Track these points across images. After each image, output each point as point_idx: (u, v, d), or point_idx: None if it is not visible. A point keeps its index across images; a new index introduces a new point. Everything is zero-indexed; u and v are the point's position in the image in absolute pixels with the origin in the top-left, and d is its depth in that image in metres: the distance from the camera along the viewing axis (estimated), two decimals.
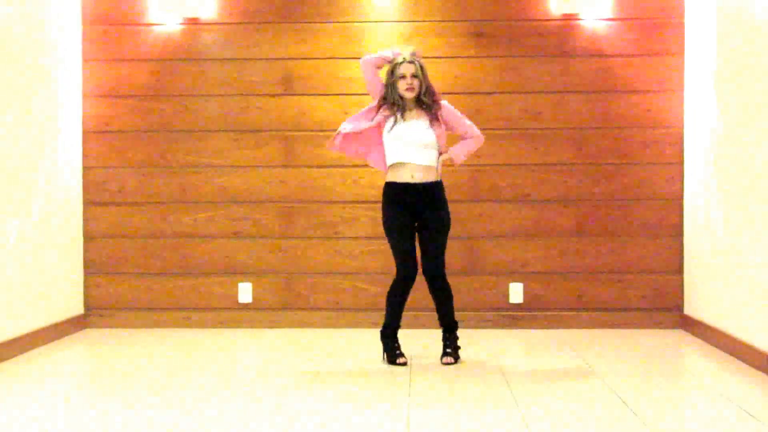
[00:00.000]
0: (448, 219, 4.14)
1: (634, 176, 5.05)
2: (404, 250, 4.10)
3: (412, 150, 4.05)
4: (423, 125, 4.08)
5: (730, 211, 4.33)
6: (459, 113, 4.20)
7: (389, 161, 4.10)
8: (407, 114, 4.11)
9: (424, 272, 4.14)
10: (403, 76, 4.05)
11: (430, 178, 4.07)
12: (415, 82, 4.06)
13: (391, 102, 4.09)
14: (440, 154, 4.13)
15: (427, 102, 4.09)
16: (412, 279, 4.12)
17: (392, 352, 4.15)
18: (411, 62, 4.07)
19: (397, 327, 4.20)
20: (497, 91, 5.07)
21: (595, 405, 3.37)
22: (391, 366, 4.09)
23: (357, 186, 5.10)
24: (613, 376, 3.84)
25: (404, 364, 4.10)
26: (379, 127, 4.10)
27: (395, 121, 4.08)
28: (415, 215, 4.10)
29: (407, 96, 4.07)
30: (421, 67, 4.08)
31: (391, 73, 4.09)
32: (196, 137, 5.16)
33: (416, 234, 4.15)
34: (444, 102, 4.17)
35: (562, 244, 5.08)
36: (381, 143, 4.11)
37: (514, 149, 5.08)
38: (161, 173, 5.17)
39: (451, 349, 4.19)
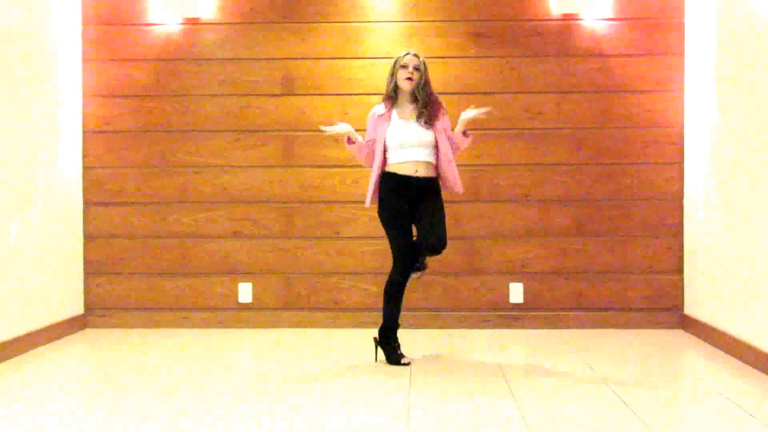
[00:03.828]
0: (443, 206, 4.16)
1: (634, 176, 5.05)
2: (404, 243, 4.13)
3: (413, 150, 4.09)
4: (421, 126, 4.11)
5: (730, 211, 4.33)
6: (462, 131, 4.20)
7: (392, 159, 4.12)
8: (403, 111, 4.16)
9: (431, 246, 4.06)
10: (405, 66, 4.12)
11: (429, 173, 4.13)
12: (416, 75, 4.12)
13: (388, 95, 4.15)
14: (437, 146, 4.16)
15: (422, 99, 4.11)
16: (410, 271, 4.18)
17: (395, 353, 4.16)
18: (416, 55, 4.15)
19: (397, 326, 4.21)
20: (497, 91, 5.07)
21: (594, 404, 3.37)
22: (391, 366, 4.09)
23: (357, 186, 5.10)
24: (613, 376, 3.84)
25: (409, 363, 4.11)
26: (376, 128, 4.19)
27: (390, 123, 4.13)
28: (412, 205, 4.12)
29: (405, 87, 4.13)
30: (424, 65, 4.15)
31: (394, 64, 4.17)
32: (196, 137, 5.16)
33: (413, 221, 4.18)
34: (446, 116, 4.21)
35: (562, 244, 5.08)
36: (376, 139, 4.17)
37: (514, 149, 5.08)
38: (161, 173, 5.17)
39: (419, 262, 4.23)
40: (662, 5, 5.04)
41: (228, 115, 5.15)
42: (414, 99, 4.15)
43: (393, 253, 4.15)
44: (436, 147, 4.13)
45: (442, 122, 4.15)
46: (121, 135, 5.18)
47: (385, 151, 4.14)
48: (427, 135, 4.10)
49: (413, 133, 4.10)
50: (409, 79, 4.11)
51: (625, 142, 5.05)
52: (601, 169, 5.07)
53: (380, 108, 4.21)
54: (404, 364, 4.10)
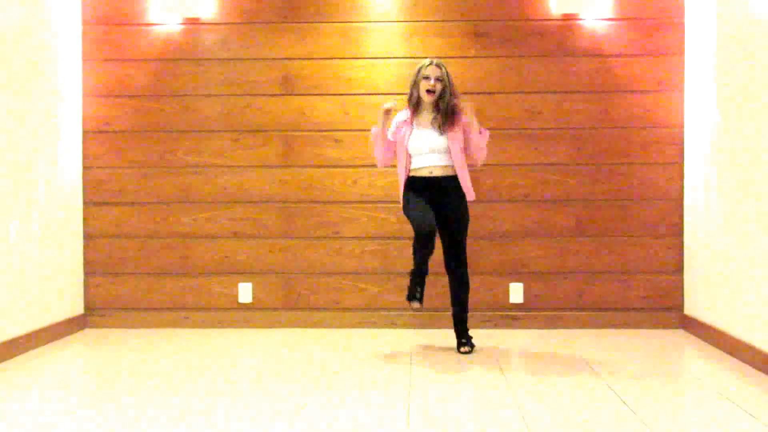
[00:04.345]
0: (467, 212, 4.34)
1: (634, 176, 5.05)
2: (420, 212, 4.18)
3: (428, 156, 4.29)
4: (435, 133, 4.27)
5: (730, 211, 4.33)
6: (478, 131, 4.28)
7: (412, 164, 4.32)
8: (423, 119, 4.32)
9: (445, 263, 4.37)
10: (427, 77, 4.25)
11: (447, 172, 4.31)
12: (438, 86, 4.25)
13: (414, 102, 4.31)
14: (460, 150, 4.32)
15: (443, 107, 4.26)
16: (431, 237, 4.16)
17: (411, 291, 4.26)
18: (438, 66, 4.27)
19: (425, 273, 4.27)
20: (497, 91, 5.07)
21: (594, 405, 3.37)
22: (390, 365, 4.10)
23: (357, 186, 5.10)
24: (613, 376, 3.84)
25: (416, 309, 4.28)
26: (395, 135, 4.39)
27: (411, 131, 4.31)
28: (435, 202, 4.28)
29: (426, 99, 4.27)
30: (447, 74, 4.28)
31: (417, 72, 4.28)
32: (196, 137, 5.16)
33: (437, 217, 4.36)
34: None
35: (562, 244, 5.08)
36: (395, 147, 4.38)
37: (514, 149, 5.08)
38: (161, 173, 5.17)
39: (465, 339, 4.40)
40: (662, 5, 5.04)
41: (228, 115, 5.15)
42: (435, 107, 4.29)
43: (413, 223, 4.19)
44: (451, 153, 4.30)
45: (457, 131, 4.28)
46: (121, 135, 5.18)
47: (409, 157, 4.33)
48: (440, 141, 4.27)
49: (427, 140, 4.26)
50: (430, 91, 4.24)
51: (625, 142, 5.05)
52: (601, 169, 5.07)
53: (404, 114, 4.38)
54: (412, 308, 4.27)
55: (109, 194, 5.18)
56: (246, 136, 5.15)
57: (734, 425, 3.10)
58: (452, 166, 4.29)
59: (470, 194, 4.33)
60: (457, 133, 4.27)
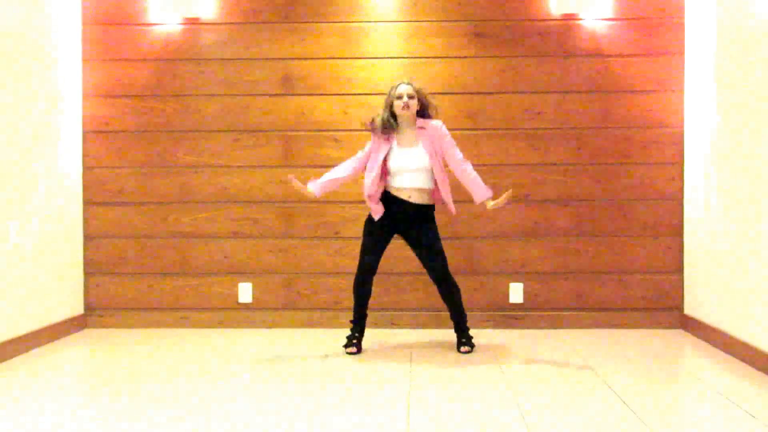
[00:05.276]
0: (436, 227, 4.39)
1: (634, 176, 5.05)
2: (371, 255, 4.37)
3: (408, 176, 4.31)
4: (420, 151, 4.31)
5: (730, 211, 4.33)
6: (450, 140, 4.38)
7: (390, 183, 4.35)
8: (405, 138, 4.34)
9: (433, 278, 4.39)
10: (400, 96, 4.30)
11: (424, 200, 4.35)
12: (411, 102, 4.30)
13: (387, 126, 4.31)
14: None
15: (424, 116, 4.37)
16: (371, 275, 4.40)
17: (349, 340, 4.42)
18: (408, 84, 4.35)
19: (363, 318, 4.44)
20: (497, 91, 5.07)
21: (594, 405, 3.37)
22: (390, 365, 4.10)
23: (357, 186, 5.10)
24: (613, 376, 3.84)
25: (352, 353, 4.37)
26: (368, 157, 4.40)
27: (391, 149, 4.33)
28: (401, 230, 4.38)
29: (402, 114, 4.31)
30: (418, 90, 4.35)
31: (388, 96, 4.35)
32: (196, 137, 5.16)
33: (408, 243, 4.45)
34: (435, 123, 4.36)
35: (562, 244, 5.08)
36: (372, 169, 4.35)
37: (514, 149, 5.08)
38: (161, 173, 5.17)
39: (465, 339, 4.43)
40: (662, 5, 5.04)
41: (228, 115, 5.15)
42: (412, 125, 4.34)
43: (360, 257, 4.40)
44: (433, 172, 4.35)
45: (437, 145, 4.32)
46: (121, 135, 5.18)
47: (386, 174, 4.35)
48: (423, 161, 4.30)
49: (409, 159, 4.30)
50: (405, 107, 4.29)
51: (625, 142, 5.05)
52: (601, 169, 5.07)
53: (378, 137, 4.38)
54: (348, 353, 4.37)
55: (109, 194, 5.18)
56: (246, 136, 5.15)
57: (734, 425, 3.10)
58: (429, 191, 4.33)
59: (452, 208, 4.38)
60: (437, 151, 4.30)
